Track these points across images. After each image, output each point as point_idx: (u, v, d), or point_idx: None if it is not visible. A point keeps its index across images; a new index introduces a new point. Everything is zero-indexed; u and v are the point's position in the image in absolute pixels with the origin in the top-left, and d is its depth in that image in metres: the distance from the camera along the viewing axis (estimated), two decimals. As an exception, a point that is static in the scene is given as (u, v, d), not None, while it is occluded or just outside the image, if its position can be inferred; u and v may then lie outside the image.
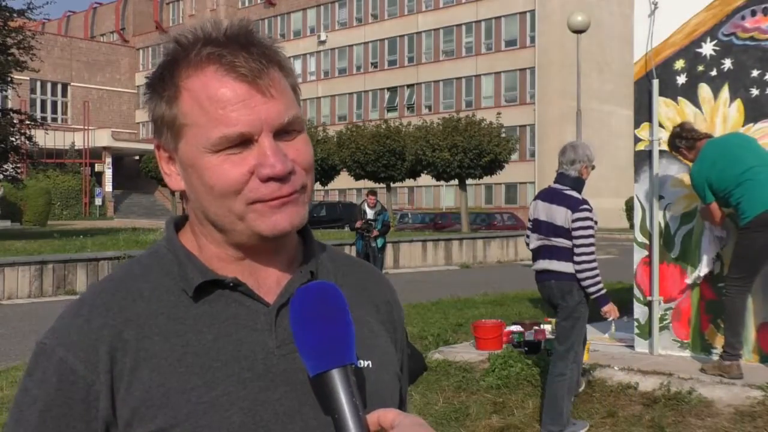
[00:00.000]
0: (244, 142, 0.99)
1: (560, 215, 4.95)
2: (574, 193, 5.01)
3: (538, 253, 5.11)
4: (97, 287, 1.07)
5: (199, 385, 0.98)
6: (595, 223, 4.99)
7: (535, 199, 5.25)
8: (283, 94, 1.03)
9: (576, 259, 4.88)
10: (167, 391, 0.97)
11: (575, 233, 4.88)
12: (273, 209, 1.00)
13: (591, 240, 4.90)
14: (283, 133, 1.01)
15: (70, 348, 1.00)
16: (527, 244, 5.31)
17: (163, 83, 1.04)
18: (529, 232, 5.24)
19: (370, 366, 1.06)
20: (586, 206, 4.95)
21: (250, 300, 1.04)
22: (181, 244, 1.08)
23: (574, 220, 4.89)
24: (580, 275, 4.89)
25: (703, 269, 6.05)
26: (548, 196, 5.11)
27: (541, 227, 5.07)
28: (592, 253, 4.90)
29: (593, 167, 5.17)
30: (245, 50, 1.01)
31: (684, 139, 5.67)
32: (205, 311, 1.03)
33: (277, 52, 1.05)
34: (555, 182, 5.17)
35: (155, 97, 1.05)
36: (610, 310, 5.00)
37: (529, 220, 5.25)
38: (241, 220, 1.01)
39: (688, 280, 6.18)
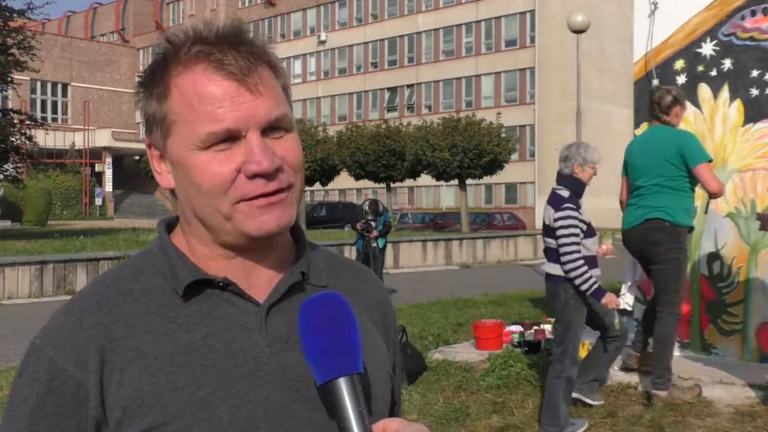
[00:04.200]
0: (232, 138, 1.00)
1: (548, 215, 4.93)
2: (563, 192, 4.93)
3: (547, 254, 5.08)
4: (88, 288, 1.08)
5: (188, 383, 0.99)
6: (584, 222, 4.86)
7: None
8: (272, 92, 1.03)
9: (561, 258, 4.81)
10: (157, 389, 0.98)
11: (557, 232, 4.82)
12: (260, 209, 1.01)
13: (573, 239, 4.79)
14: (271, 130, 1.02)
15: (60, 347, 1.00)
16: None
17: (154, 81, 1.05)
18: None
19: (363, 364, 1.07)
20: (568, 204, 4.84)
21: (240, 299, 1.05)
22: (173, 244, 1.09)
23: (555, 219, 4.84)
24: (569, 275, 4.80)
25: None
26: (549, 197, 5.09)
27: (543, 230, 5.08)
28: (575, 251, 4.78)
29: (594, 170, 5.03)
30: (234, 49, 1.01)
31: (651, 102, 5.45)
32: (195, 310, 1.04)
33: (268, 52, 1.06)
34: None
35: (146, 95, 1.06)
36: (610, 300, 4.87)
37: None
38: (228, 219, 1.02)
39: None
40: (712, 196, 5.25)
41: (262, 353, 1.03)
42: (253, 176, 1.00)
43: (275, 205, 1.02)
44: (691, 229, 5.27)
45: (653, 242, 5.21)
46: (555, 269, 4.87)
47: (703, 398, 5.28)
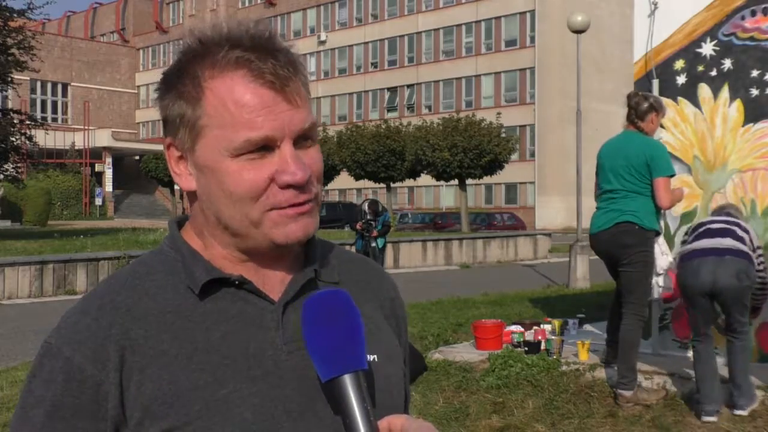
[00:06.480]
0: (265, 147, 1.00)
1: (752, 236, 5.12)
2: None
3: (710, 233, 5.08)
4: (102, 286, 1.07)
5: (209, 382, 0.98)
6: None
7: None
8: (306, 102, 1.04)
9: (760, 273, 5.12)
10: (178, 389, 0.98)
11: (760, 257, 5.11)
12: (289, 219, 1.01)
13: None
14: (301, 140, 1.02)
15: (78, 347, 1.00)
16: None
17: (183, 81, 1.03)
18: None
19: (377, 360, 1.07)
20: None
21: (255, 298, 1.05)
22: (186, 242, 1.08)
23: (758, 246, 5.12)
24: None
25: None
26: (739, 220, 5.24)
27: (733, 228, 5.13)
28: None
29: None
30: (273, 57, 1.01)
31: (628, 106, 5.50)
32: (211, 309, 1.03)
33: (299, 60, 1.05)
34: None
35: (173, 94, 1.04)
36: None
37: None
38: (256, 226, 1.02)
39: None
40: (660, 208, 5.38)
41: (279, 352, 1.03)
42: (287, 186, 1.00)
43: (303, 215, 1.02)
44: (657, 233, 5.33)
45: (623, 245, 5.28)
46: (745, 248, 4.96)
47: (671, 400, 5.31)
